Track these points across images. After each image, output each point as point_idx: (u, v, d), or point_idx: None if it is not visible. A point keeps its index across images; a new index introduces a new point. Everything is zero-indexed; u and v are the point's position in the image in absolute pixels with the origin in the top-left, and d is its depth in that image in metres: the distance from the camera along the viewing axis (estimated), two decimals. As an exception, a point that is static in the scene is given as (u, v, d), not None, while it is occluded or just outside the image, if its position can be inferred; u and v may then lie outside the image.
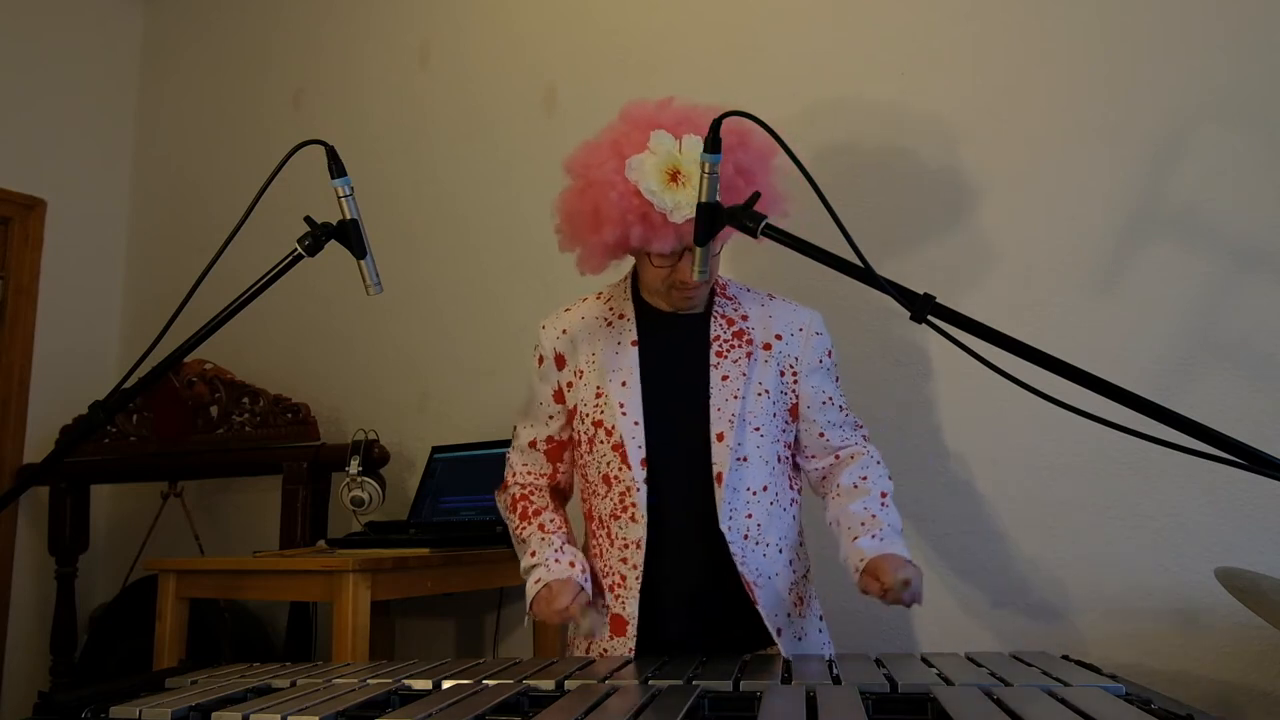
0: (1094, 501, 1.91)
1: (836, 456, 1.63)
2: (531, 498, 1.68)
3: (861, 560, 1.46)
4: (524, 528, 1.64)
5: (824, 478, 1.65)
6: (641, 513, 1.52)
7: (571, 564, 1.55)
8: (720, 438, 1.53)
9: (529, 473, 1.71)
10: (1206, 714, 0.93)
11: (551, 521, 1.64)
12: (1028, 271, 2.02)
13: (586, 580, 1.55)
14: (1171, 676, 1.80)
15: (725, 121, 1.24)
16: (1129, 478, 1.88)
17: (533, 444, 1.69)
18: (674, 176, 1.41)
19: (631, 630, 1.52)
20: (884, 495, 1.57)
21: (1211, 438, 0.94)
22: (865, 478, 1.60)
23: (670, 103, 1.52)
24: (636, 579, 1.53)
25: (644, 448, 1.54)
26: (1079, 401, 1.02)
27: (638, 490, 1.52)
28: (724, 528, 1.51)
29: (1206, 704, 1.76)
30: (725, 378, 1.55)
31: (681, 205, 1.40)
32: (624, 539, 1.54)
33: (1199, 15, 1.91)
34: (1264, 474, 0.91)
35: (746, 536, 1.53)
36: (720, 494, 1.51)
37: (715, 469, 1.52)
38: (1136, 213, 1.93)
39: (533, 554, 1.59)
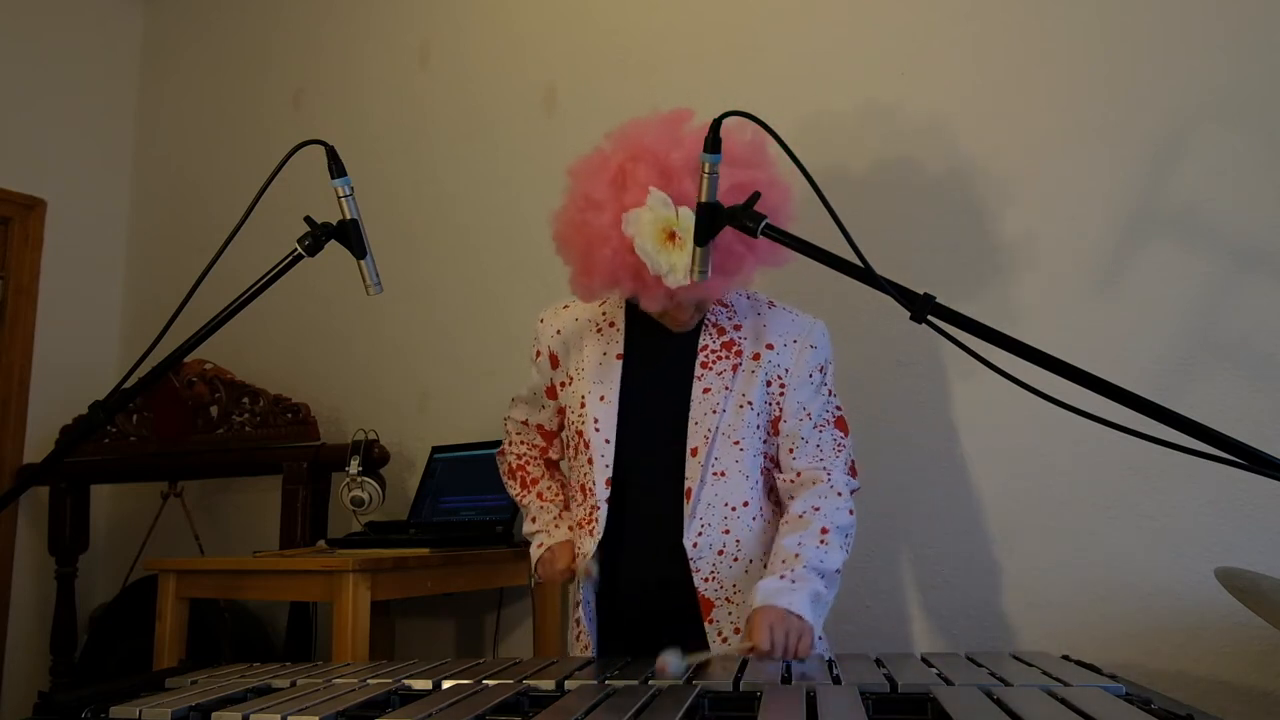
0: (1094, 501, 1.91)
1: (796, 478, 1.52)
2: (528, 467, 1.76)
3: (751, 607, 1.36)
4: (524, 495, 1.74)
5: (784, 504, 1.55)
6: (600, 529, 1.52)
7: (570, 529, 1.63)
8: (694, 453, 1.50)
9: (523, 443, 1.78)
10: (1206, 714, 0.93)
11: (549, 489, 1.73)
12: (1028, 271, 2.02)
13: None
14: (1171, 676, 1.80)
15: (737, 176, 1.32)
16: (1129, 478, 1.88)
17: (526, 423, 1.77)
18: (671, 236, 1.38)
19: (591, 642, 1.54)
20: (825, 531, 1.44)
21: (1211, 438, 0.94)
22: (818, 509, 1.46)
23: (681, 125, 1.46)
24: (593, 592, 1.55)
25: (610, 467, 1.53)
26: (1079, 401, 1.02)
27: (599, 509, 1.53)
28: (687, 544, 1.49)
29: (1206, 704, 1.76)
30: (707, 390, 1.52)
31: (677, 268, 1.37)
32: (583, 551, 1.55)
33: (1199, 15, 1.91)
34: (1264, 474, 0.91)
35: (722, 552, 1.50)
36: (688, 509, 1.49)
37: (686, 484, 1.50)
38: (1136, 213, 1.92)
39: (533, 519, 1.69)
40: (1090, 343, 1.92)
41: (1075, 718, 0.89)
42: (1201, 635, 1.79)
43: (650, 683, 1.14)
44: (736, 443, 1.52)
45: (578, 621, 1.60)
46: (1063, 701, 0.96)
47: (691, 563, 1.49)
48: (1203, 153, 1.88)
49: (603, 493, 1.52)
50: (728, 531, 1.51)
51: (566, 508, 1.70)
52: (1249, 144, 1.85)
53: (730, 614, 1.50)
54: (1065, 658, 1.29)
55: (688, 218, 1.33)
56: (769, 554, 1.52)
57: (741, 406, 1.53)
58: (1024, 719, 0.89)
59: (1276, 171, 1.82)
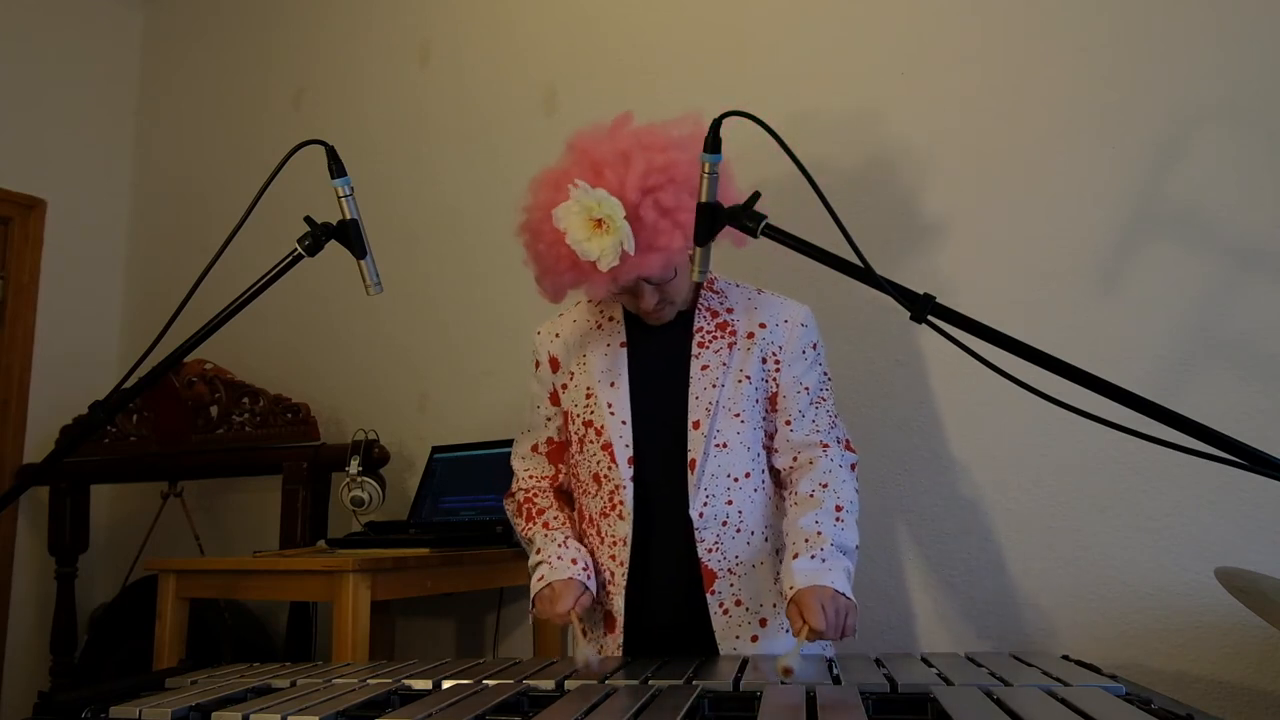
0: (1094, 501, 1.91)
1: (796, 458, 1.57)
2: (535, 499, 1.71)
3: (791, 588, 1.38)
4: (529, 528, 1.68)
5: (786, 484, 1.59)
6: (628, 510, 1.54)
7: (574, 561, 1.56)
8: (696, 425, 1.54)
9: (531, 476, 1.74)
10: (1206, 714, 0.93)
11: (555, 519, 1.66)
12: (1028, 271, 2.02)
13: (590, 578, 1.56)
14: (1171, 676, 1.80)
15: (657, 159, 1.36)
16: (1129, 478, 1.88)
17: (534, 448, 1.74)
18: (598, 223, 1.41)
19: (619, 626, 1.55)
20: (839, 509, 1.48)
21: (1212, 438, 0.94)
22: (825, 485, 1.51)
23: (624, 125, 1.51)
24: (623, 576, 1.55)
25: (630, 446, 1.56)
26: (1079, 401, 1.02)
27: (624, 488, 1.55)
28: (693, 514, 1.52)
29: (1206, 704, 1.76)
30: (705, 367, 1.57)
31: (606, 252, 1.40)
32: (613, 536, 1.56)
33: (1199, 15, 1.91)
34: (1264, 474, 0.91)
35: (725, 523, 1.53)
36: (692, 480, 1.53)
37: (690, 455, 1.53)
38: (1136, 213, 1.92)
39: (538, 550, 1.62)
40: (1090, 343, 1.92)
41: (1075, 718, 0.89)
42: (1201, 635, 1.79)
43: (650, 683, 1.14)
44: (737, 415, 1.56)
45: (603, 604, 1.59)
46: (1063, 701, 0.96)
47: (696, 533, 1.52)
48: (1203, 153, 1.88)
49: (626, 472, 1.55)
50: (731, 502, 1.54)
51: (574, 536, 1.65)
52: (1249, 144, 1.85)
53: (731, 585, 1.53)
54: (1065, 658, 1.30)
55: (606, 200, 1.39)
56: (769, 528, 1.56)
57: (740, 381, 1.57)
58: (1024, 719, 0.89)
59: (1276, 171, 1.82)
